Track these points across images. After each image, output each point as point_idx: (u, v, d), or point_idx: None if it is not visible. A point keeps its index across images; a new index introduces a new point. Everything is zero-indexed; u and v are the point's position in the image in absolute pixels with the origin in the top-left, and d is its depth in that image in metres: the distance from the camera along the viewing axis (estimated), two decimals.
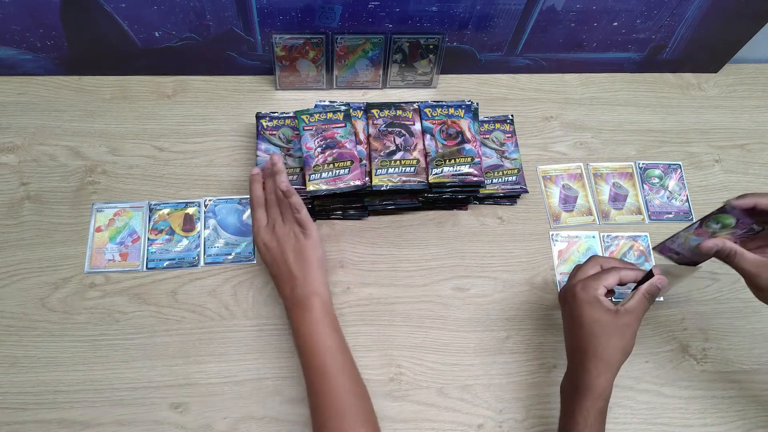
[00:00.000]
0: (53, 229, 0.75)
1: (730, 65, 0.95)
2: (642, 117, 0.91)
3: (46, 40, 0.79)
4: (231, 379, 0.69)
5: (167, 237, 0.76)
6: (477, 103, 0.79)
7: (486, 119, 0.85)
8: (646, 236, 0.81)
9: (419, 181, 0.74)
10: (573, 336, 0.61)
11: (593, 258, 0.65)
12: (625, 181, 0.85)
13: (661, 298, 0.77)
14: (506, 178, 0.80)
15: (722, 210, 0.59)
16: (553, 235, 0.81)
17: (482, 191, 0.79)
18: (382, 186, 0.73)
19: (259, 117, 0.79)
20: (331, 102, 0.78)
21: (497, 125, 0.84)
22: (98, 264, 0.74)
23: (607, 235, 0.81)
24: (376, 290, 0.75)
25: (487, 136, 0.83)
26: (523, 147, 0.85)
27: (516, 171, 0.81)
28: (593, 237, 0.81)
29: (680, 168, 0.87)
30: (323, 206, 0.77)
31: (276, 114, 0.79)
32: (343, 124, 0.74)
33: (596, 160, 0.86)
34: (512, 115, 0.85)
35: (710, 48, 0.90)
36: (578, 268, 0.64)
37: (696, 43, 0.89)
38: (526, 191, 0.80)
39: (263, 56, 0.84)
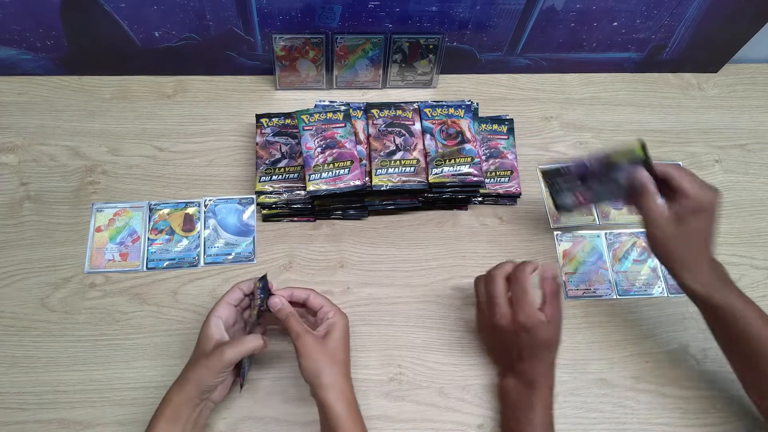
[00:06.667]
0: (53, 229, 0.75)
1: (730, 65, 0.95)
2: (642, 117, 0.91)
3: (46, 40, 0.79)
4: None
5: (167, 237, 0.76)
6: (477, 103, 0.79)
7: (486, 119, 0.85)
8: None
9: (419, 181, 0.74)
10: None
11: (495, 274, 0.64)
12: None
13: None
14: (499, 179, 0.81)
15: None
16: (557, 235, 0.81)
17: (482, 191, 0.79)
18: (382, 186, 0.73)
19: (258, 117, 0.79)
20: (331, 102, 0.78)
21: (495, 126, 0.84)
22: (98, 264, 0.74)
23: (610, 233, 0.81)
24: (376, 290, 0.75)
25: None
26: (522, 147, 0.85)
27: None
28: (598, 237, 0.81)
29: None
30: (323, 206, 0.77)
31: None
32: (343, 124, 0.75)
33: None
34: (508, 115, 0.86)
35: (710, 48, 0.90)
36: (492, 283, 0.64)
37: (696, 43, 0.89)
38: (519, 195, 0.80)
39: (263, 56, 0.84)
